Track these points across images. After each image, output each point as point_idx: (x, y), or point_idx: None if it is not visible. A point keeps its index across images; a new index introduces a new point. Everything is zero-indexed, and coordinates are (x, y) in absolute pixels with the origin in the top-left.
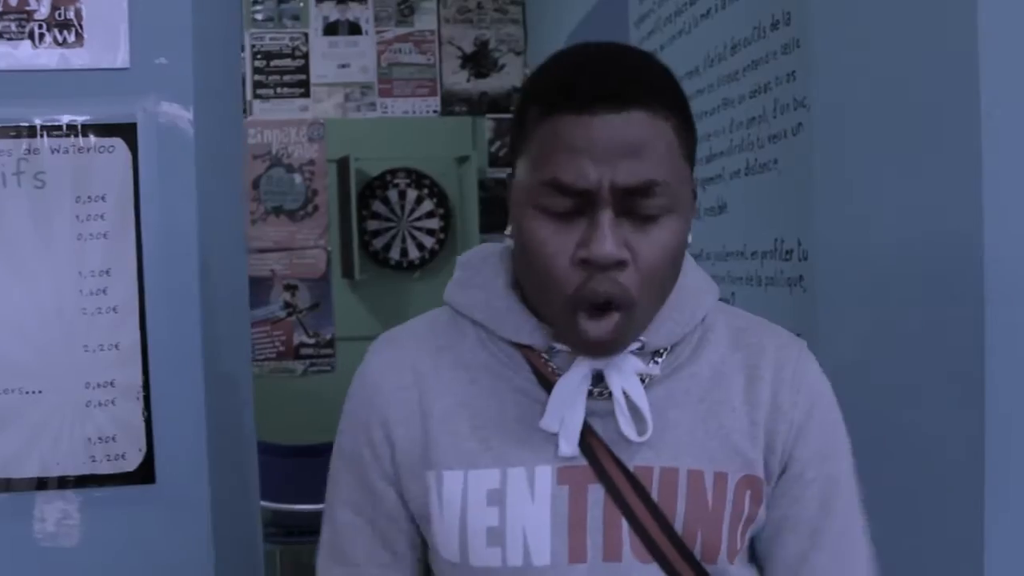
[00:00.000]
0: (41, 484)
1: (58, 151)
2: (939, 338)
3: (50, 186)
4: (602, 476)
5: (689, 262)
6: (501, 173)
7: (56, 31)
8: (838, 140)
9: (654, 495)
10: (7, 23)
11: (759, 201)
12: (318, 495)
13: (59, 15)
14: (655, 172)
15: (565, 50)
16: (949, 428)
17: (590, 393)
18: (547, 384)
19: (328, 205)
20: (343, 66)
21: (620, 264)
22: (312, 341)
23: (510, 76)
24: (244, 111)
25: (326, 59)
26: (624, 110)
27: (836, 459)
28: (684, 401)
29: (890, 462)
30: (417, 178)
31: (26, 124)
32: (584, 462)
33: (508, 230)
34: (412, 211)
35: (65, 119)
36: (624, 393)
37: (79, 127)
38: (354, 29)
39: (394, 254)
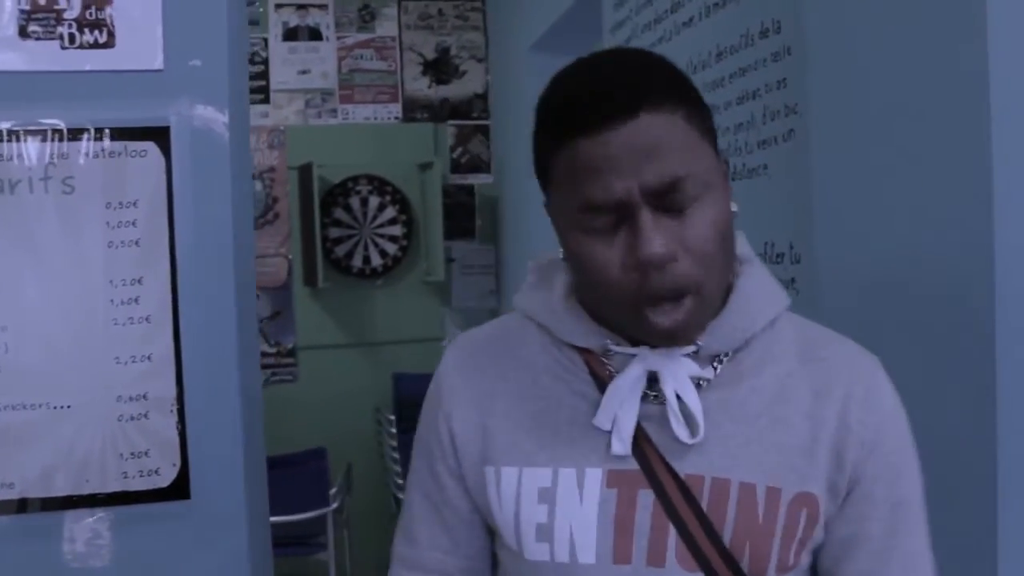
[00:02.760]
0: (70, 503)
1: (88, 155)
2: (947, 340)
3: (79, 191)
4: (652, 481)
5: (757, 268)
6: (463, 180)
7: (87, 31)
8: (835, 144)
9: (703, 504)
10: (35, 24)
11: (747, 205)
12: (282, 507)
13: (90, 15)
14: (677, 168)
15: (564, 71)
16: (957, 431)
17: (645, 396)
18: (604, 387)
19: (289, 213)
20: (303, 72)
21: (671, 259)
22: (273, 350)
23: (472, 82)
24: None
25: (286, 65)
26: (631, 118)
27: (906, 479)
28: (742, 414)
29: None
30: (379, 185)
31: (54, 127)
32: (635, 466)
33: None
34: (374, 218)
35: (95, 122)
36: (678, 397)
37: (109, 131)
38: (314, 35)
39: (356, 261)
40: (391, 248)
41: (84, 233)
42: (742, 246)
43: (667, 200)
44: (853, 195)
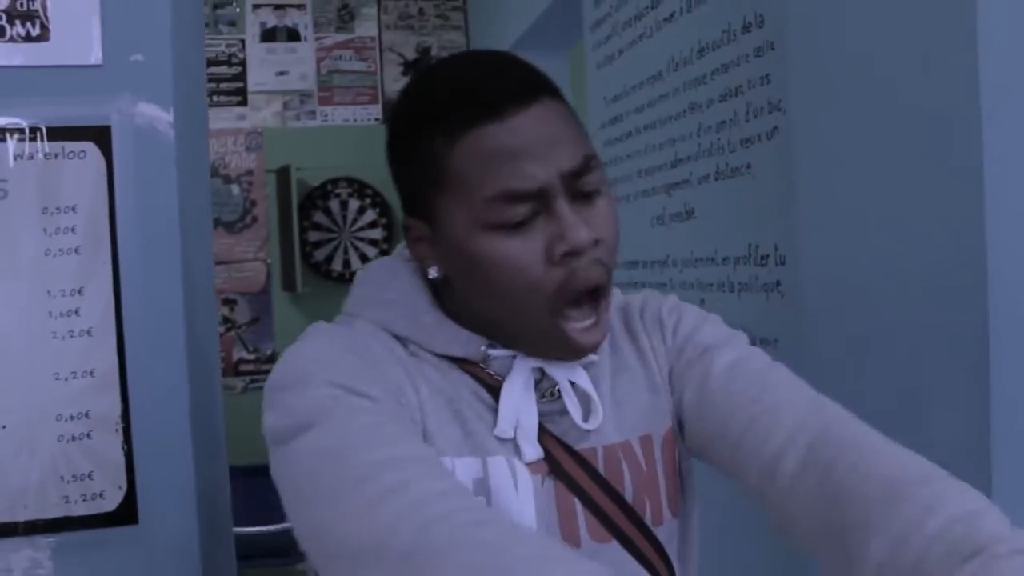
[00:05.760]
0: (7, 530)
1: (22, 157)
2: (937, 344)
3: (13, 196)
4: (556, 468)
5: None
6: None
7: (18, 23)
8: (819, 143)
9: (601, 471)
10: None
11: (730, 206)
12: (260, 517)
13: (21, 5)
14: (585, 147)
15: (435, 69)
16: (949, 437)
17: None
18: (491, 390)
19: (267, 216)
20: (281, 73)
21: (596, 243)
22: (252, 357)
23: None
24: None
25: (264, 66)
26: (534, 102)
27: (709, 328)
28: (600, 379)
29: None
30: (359, 187)
31: None
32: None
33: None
34: (354, 221)
35: (29, 121)
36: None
37: (45, 130)
38: (292, 36)
39: (336, 265)
40: (371, 252)
41: (19, 241)
42: None
43: (580, 183)
44: (838, 195)
